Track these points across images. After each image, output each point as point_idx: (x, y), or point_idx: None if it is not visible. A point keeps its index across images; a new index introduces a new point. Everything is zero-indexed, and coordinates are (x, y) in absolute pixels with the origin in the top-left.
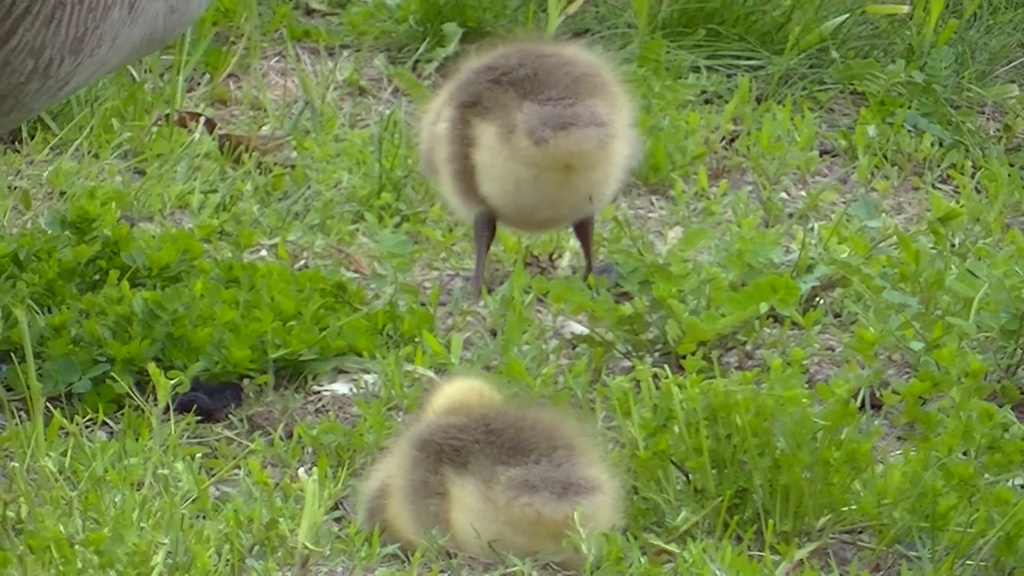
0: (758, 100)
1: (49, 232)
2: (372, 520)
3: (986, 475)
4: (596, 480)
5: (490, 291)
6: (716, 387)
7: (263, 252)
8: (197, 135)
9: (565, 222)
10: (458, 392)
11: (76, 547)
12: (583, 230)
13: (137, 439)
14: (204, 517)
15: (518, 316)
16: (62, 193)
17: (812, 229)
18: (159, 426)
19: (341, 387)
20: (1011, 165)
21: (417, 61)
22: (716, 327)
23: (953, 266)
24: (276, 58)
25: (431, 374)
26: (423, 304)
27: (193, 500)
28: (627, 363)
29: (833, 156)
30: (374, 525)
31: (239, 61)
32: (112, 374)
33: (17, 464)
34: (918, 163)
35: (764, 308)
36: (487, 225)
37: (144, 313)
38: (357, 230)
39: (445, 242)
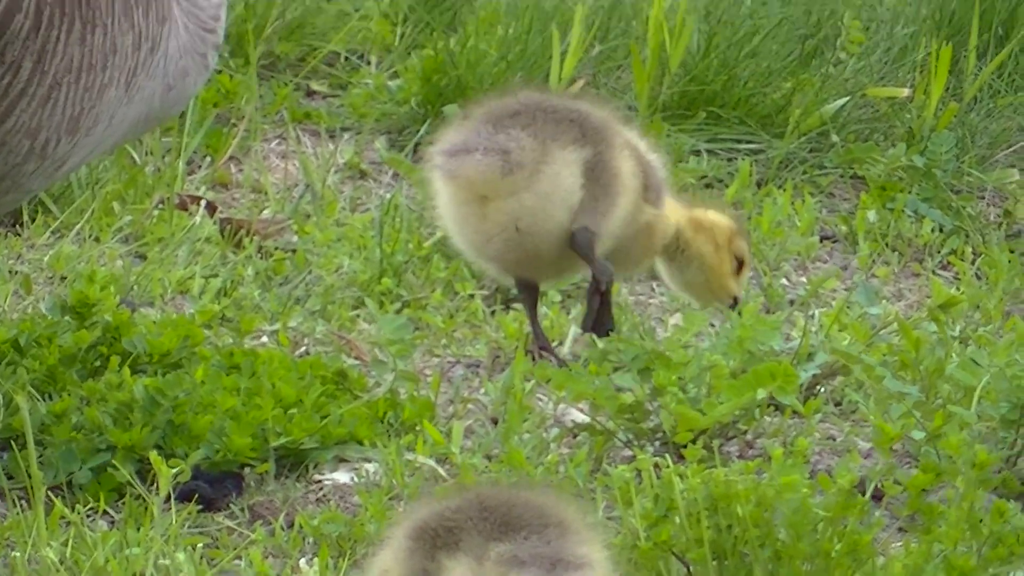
0: (758, 184)
1: (49, 317)
2: None
3: (989, 569)
4: (586, 557)
5: (490, 379)
6: (717, 476)
7: (264, 338)
8: (198, 219)
9: (541, 271)
10: None
11: None
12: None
13: (139, 528)
14: None
15: (519, 404)
16: (63, 277)
17: (813, 316)
18: (160, 515)
19: (342, 476)
20: (1011, 251)
21: (418, 144)
22: (713, 415)
23: (954, 354)
24: (277, 140)
25: (432, 463)
26: (423, 392)
27: None
28: (628, 452)
29: (834, 241)
30: None
31: (240, 143)
32: (113, 462)
33: (19, 554)
34: (919, 249)
35: (763, 395)
36: (523, 287)
37: (145, 400)
38: (358, 316)
39: (446, 328)
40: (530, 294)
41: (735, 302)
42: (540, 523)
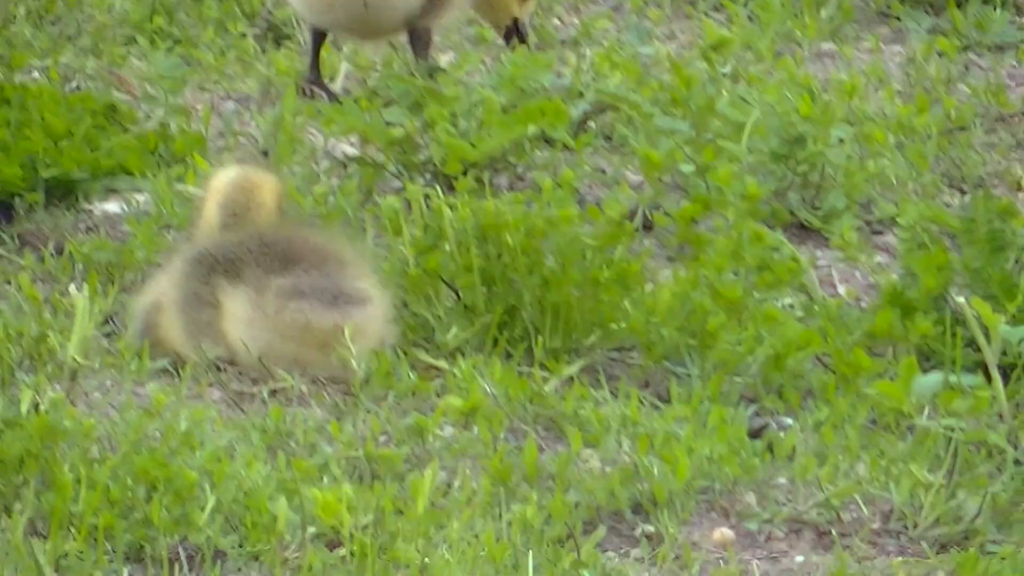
0: None
1: None
2: (145, 335)
3: (755, 294)
4: (366, 292)
5: (261, 113)
6: (487, 207)
7: (35, 74)
8: None
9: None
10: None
11: None
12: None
13: None
14: None
15: (289, 137)
16: None
17: (585, 55)
18: None
19: (112, 206)
20: None
21: None
22: (484, 148)
23: (725, 92)
24: None
25: (202, 193)
26: (195, 126)
27: None
28: (399, 184)
29: None
30: (149, 340)
31: None
32: None
33: None
34: None
35: (533, 129)
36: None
37: None
38: (129, 53)
39: (217, 65)
40: (319, 37)
41: (517, 28)
42: (319, 259)
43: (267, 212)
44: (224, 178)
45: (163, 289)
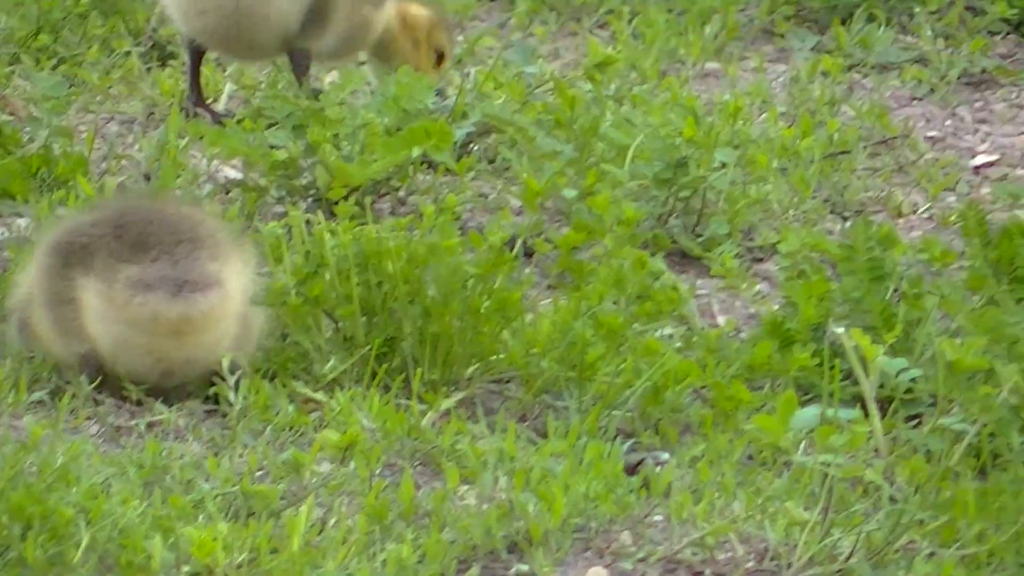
0: None
1: None
2: (23, 333)
3: (635, 325)
4: (216, 275)
5: (144, 135)
6: (368, 233)
7: None
8: None
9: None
10: None
11: None
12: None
13: None
14: None
15: (172, 160)
16: None
17: (469, 74)
18: None
19: None
20: (668, 11)
21: None
22: (367, 172)
23: (609, 113)
24: None
25: None
26: (78, 148)
27: None
28: (281, 208)
29: (491, 1)
30: (25, 338)
31: None
32: None
33: None
34: (576, 9)
35: (417, 152)
36: (192, 48)
37: None
38: (13, 72)
39: (101, 85)
40: (197, 55)
41: (439, 92)
42: (172, 240)
43: None
44: None
45: (31, 283)
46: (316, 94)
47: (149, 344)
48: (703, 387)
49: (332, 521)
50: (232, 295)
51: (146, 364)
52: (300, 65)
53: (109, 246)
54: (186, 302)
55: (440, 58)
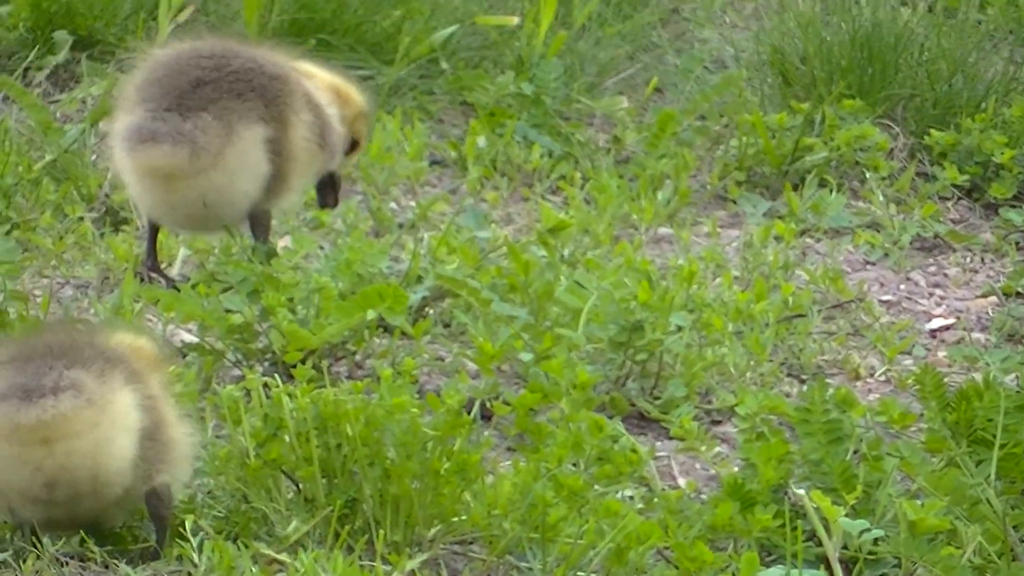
0: None
1: None
2: None
3: (596, 486)
4: (73, 381)
5: (100, 299)
6: (326, 396)
7: None
8: None
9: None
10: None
11: None
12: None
13: None
14: None
15: (128, 324)
16: None
17: (422, 239)
18: None
19: None
20: (620, 177)
21: (27, 68)
22: (322, 336)
23: (563, 277)
24: None
25: None
26: (33, 312)
27: None
28: (238, 372)
29: (443, 167)
30: None
31: None
32: None
33: None
34: (528, 174)
35: (372, 316)
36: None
37: None
38: None
39: (56, 250)
40: (156, 229)
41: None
42: (46, 357)
43: None
44: None
45: None
46: (272, 255)
47: (18, 454)
48: (666, 547)
49: None
50: (100, 403)
51: (24, 477)
52: (260, 226)
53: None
54: (39, 408)
55: (354, 146)
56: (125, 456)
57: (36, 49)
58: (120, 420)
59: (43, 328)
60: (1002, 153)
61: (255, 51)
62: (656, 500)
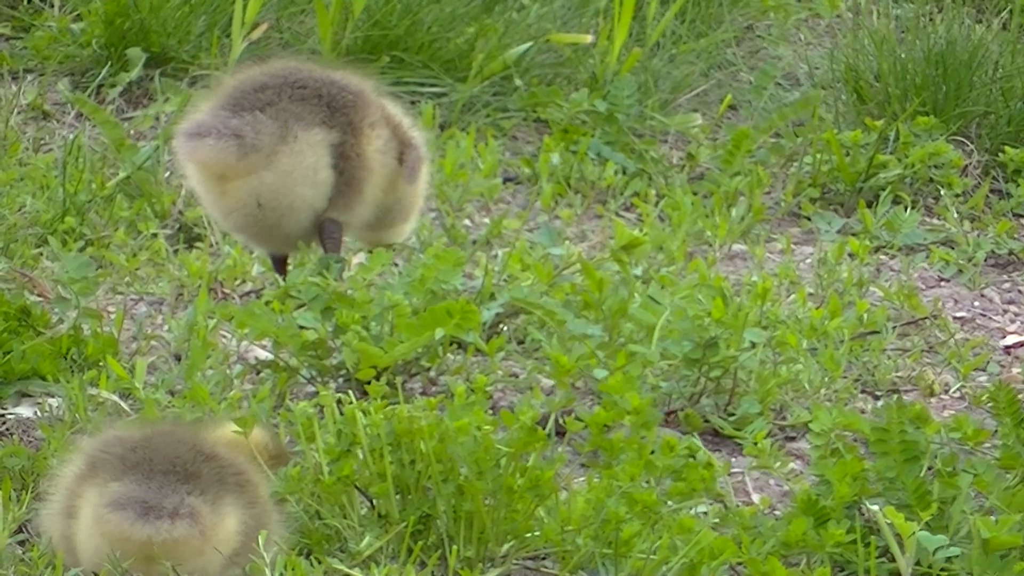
0: (442, 127)
1: None
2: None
3: (669, 503)
4: (188, 508)
5: (173, 316)
6: (400, 412)
7: None
8: None
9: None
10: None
11: None
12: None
13: None
14: None
15: (202, 341)
16: None
17: (496, 256)
18: None
19: (25, 410)
20: (694, 194)
21: (101, 86)
22: (395, 353)
23: (637, 294)
24: None
25: (115, 398)
26: (107, 329)
27: None
28: (312, 388)
29: (517, 184)
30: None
31: None
32: None
33: None
34: (601, 191)
35: (441, 333)
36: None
37: None
38: (41, 254)
39: (129, 267)
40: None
41: None
42: (165, 466)
43: None
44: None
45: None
46: (341, 269)
47: (122, 557)
48: (739, 563)
49: None
50: (209, 532)
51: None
52: (330, 237)
53: (110, 462)
54: (152, 526)
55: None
56: (216, 571)
57: (109, 66)
58: (223, 545)
59: (162, 431)
60: None
61: (331, 72)
62: (730, 516)
